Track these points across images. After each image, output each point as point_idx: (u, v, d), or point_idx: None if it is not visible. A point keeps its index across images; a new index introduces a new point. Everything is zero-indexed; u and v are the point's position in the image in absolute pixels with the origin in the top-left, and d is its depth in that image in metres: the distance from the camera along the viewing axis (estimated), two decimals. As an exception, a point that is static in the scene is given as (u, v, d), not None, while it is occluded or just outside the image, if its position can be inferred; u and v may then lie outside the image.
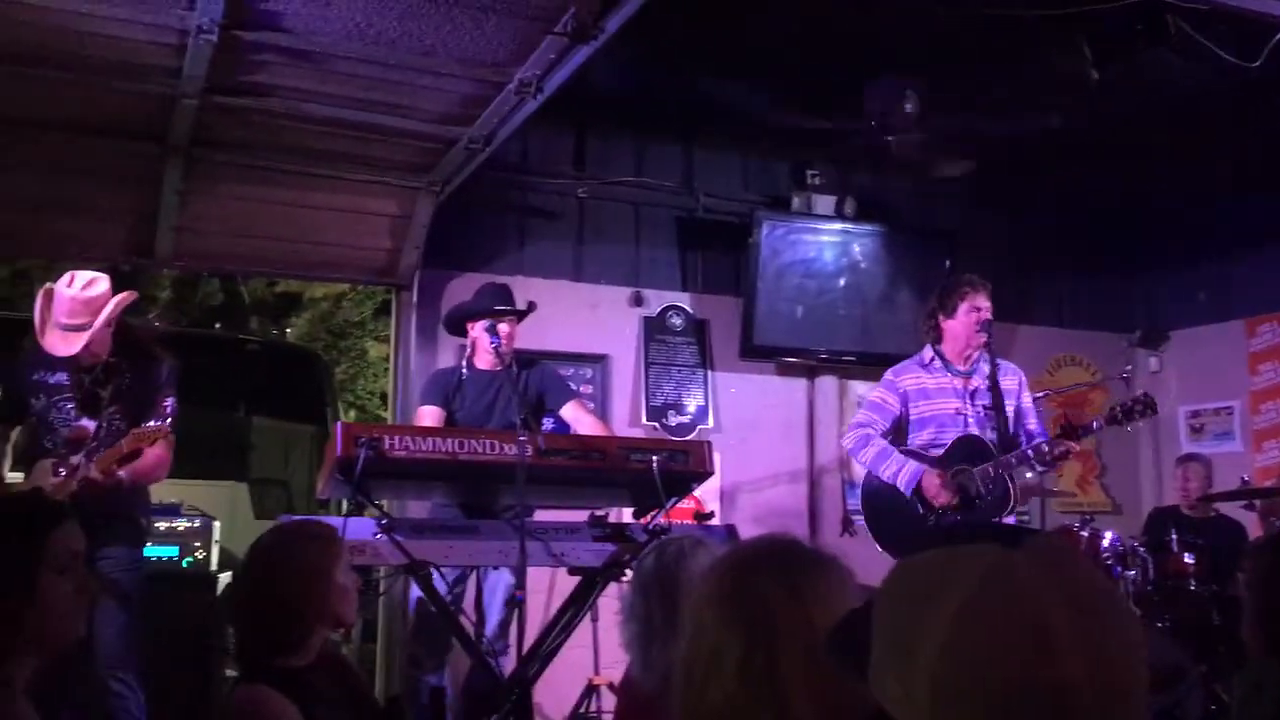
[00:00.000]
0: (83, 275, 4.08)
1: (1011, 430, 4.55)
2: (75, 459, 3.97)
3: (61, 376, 4.14)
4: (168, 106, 4.41)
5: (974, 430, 4.59)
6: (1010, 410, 4.61)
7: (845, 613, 1.43)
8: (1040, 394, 5.48)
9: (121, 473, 3.98)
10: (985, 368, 4.64)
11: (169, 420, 4.11)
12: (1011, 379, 4.71)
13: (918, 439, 4.68)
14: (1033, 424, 4.72)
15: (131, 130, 4.69)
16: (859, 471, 6.37)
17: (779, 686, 1.42)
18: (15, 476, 4.33)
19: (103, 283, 4.07)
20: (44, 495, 3.66)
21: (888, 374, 4.87)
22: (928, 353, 4.78)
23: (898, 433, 4.77)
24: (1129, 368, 6.60)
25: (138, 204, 5.03)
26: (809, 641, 1.41)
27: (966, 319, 4.64)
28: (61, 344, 4.00)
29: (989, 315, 4.63)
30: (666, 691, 2.37)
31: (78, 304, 3.98)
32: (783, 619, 1.45)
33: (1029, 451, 4.46)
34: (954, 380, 4.69)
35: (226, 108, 4.46)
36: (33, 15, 3.68)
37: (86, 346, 4.02)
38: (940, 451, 4.61)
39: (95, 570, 3.73)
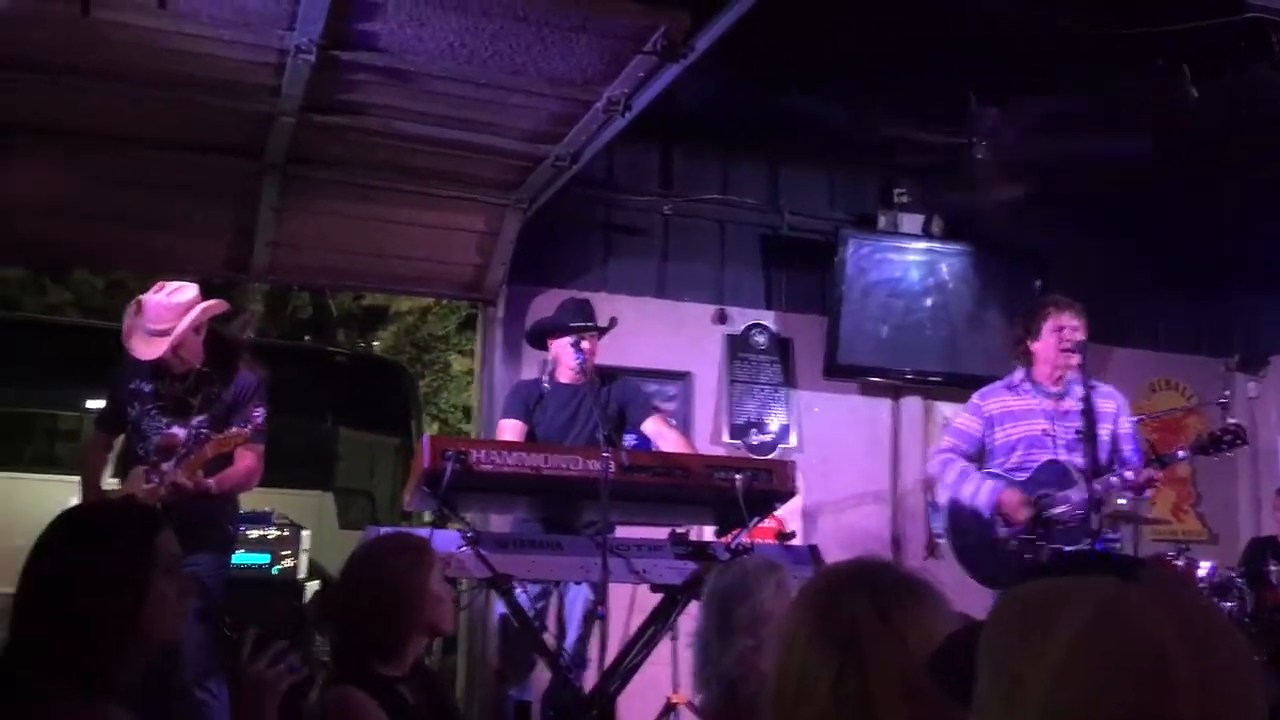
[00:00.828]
0: (171, 284, 4.19)
1: (1106, 457, 4.44)
2: (165, 466, 4.04)
3: (155, 385, 4.22)
4: (266, 124, 4.53)
5: (1062, 453, 4.49)
6: (1105, 435, 4.49)
7: (941, 636, 1.42)
8: (1134, 418, 5.34)
9: (211, 481, 4.06)
10: (1080, 389, 4.54)
11: (259, 429, 4.20)
12: (1109, 402, 4.59)
13: (1006, 462, 4.59)
14: (1129, 450, 4.58)
15: (230, 148, 4.83)
16: (943, 494, 6.30)
17: (872, 709, 1.41)
18: (113, 483, 4.45)
19: (190, 290, 4.17)
20: (141, 502, 3.79)
21: (974, 397, 4.80)
22: (1017, 375, 4.70)
23: (981, 459, 4.70)
24: (1227, 393, 6.37)
25: (235, 219, 5.18)
26: (903, 665, 1.40)
27: (1051, 339, 4.55)
28: (145, 348, 4.08)
29: (1079, 335, 4.52)
30: (726, 711, 2.38)
31: (162, 308, 4.08)
32: (875, 641, 1.44)
33: (1114, 479, 4.35)
34: (1043, 401, 4.59)
35: (322, 125, 4.56)
36: (140, 36, 3.80)
37: (174, 351, 4.09)
38: (1026, 476, 4.52)
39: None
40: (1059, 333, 4.54)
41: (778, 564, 2.69)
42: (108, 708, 1.73)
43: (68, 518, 1.90)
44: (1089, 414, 4.39)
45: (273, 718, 1.99)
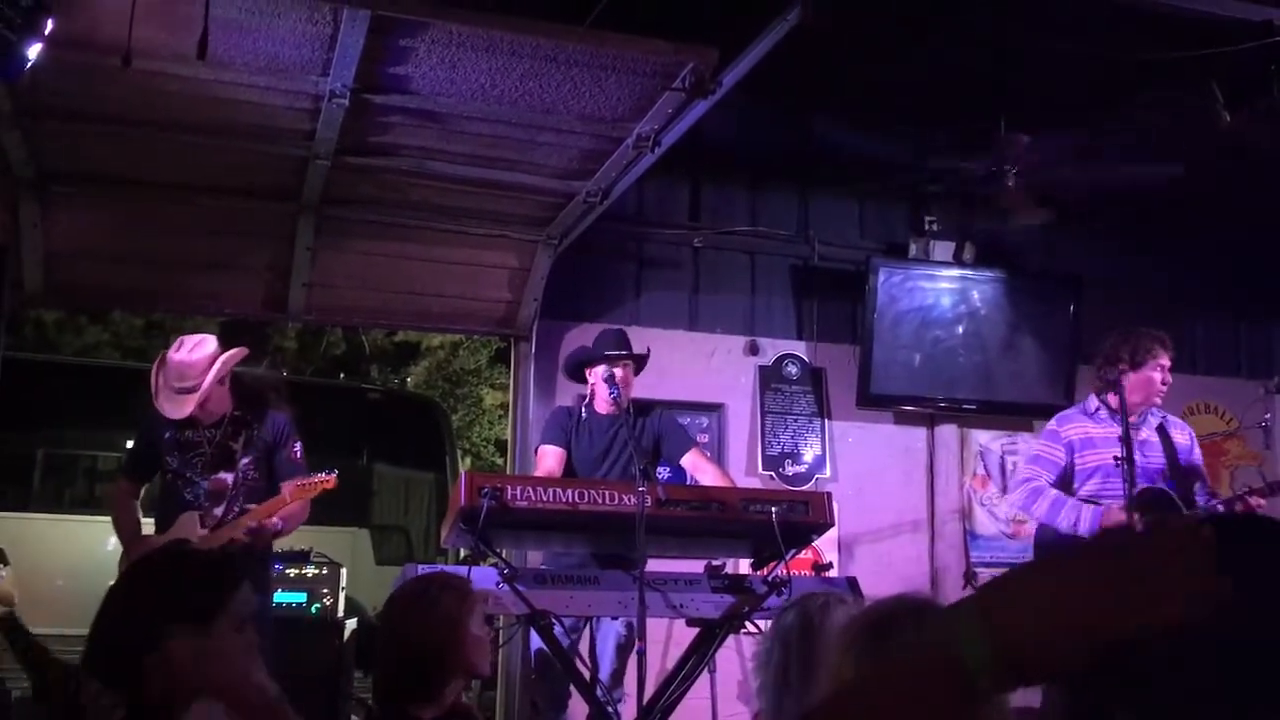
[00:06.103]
0: (191, 339, 4.23)
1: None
2: (217, 511, 4.16)
3: (192, 433, 4.29)
4: (301, 167, 4.60)
5: (1141, 482, 4.47)
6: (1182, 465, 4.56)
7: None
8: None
9: (276, 519, 4.19)
10: (1153, 420, 4.58)
11: (303, 465, 4.30)
12: (1182, 434, 4.66)
13: (1085, 489, 4.59)
14: (1198, 484, 4.61)
15: (267, 191, 4.90)
16: (982, 522, 6.25)
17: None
18: (146, 523, 4.50)
19: (210, 344, 4.21)
20: (230, 555, 3.84)
21: (1050, 424, 4.82)
22: (1092, 402, 4.72)
23: (1064, 486, 4.68)
24: (1268, 416, 6.32)
25: (272, 260, 5.24)
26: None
27: (1154, 375, 4.57)
28: (173, 407, 4.15)
29: (1169, 378, 4.61)
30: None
31: (185, 366, 4.13)
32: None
33: (1219, 507, 4.35)
34: (1120, 430, 4.58)
35: (356, 167, 4.63)
36: (180, 86, 3.88)
37: (202, 406, 4.16)
38: (1109, 501, 4.50)
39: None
40: (1161, 371, 4.56)
41: (847, 598, 2.64)
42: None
43: (145, 563, 1.93)
44: (1168, 443, 4.54)
45: None
